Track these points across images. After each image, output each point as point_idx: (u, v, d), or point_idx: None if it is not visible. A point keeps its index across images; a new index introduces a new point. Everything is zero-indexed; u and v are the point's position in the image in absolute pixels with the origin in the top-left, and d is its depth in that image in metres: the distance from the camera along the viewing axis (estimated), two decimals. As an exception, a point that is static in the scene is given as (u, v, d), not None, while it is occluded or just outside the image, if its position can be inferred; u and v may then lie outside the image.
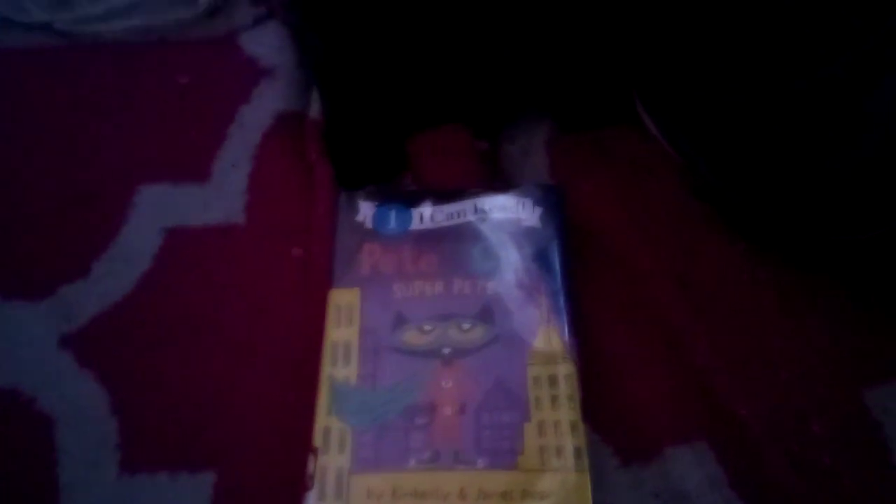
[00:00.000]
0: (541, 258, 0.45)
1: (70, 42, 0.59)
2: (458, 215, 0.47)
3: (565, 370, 0.41)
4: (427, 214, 0.47)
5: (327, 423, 0.40)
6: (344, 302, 0.44)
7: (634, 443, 0.42)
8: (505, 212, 0.47)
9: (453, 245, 0.46)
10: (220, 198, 0.51)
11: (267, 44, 0.57)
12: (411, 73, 0.49)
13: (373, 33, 0.46)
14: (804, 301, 0.46)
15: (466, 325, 0.43)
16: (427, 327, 0.43)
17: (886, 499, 0.41)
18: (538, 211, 0.47)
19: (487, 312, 0.43)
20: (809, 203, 0.45)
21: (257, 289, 0.48)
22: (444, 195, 0.48)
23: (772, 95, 0.44)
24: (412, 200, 0.48)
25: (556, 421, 0.40)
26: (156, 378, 0.45)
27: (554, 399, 0.40)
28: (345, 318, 0.44)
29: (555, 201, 0.47)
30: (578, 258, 0.47)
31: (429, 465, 0.39)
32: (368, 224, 0.47)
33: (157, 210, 0.50)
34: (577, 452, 0.39)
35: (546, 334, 0.42)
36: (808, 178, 0.44)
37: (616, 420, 0.43)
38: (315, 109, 0.53)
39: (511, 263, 0.45)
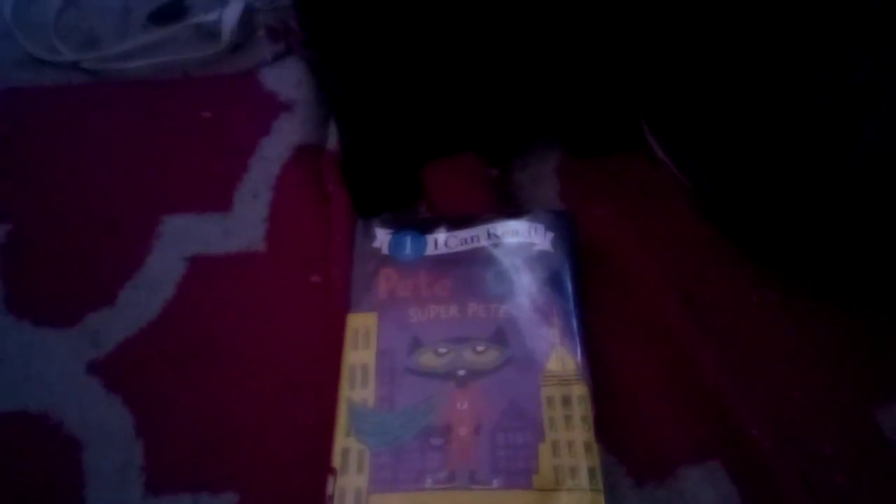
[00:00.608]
0: (553, 282, 0.46)
1: (97, 79, 0.62)
2: (472, 241, 0.48)
3: (578, 391, 0.42)
4: (441, 240, 0.48)
5: (346, 444, 0.41)
6: (361, 326, 0.45)
7: (648, 463, 0.42)
8: (517, 237, 0.48)
9: (467, 270, 0.47)
10: (241, 227, 0.52)
11: (286, 79, 0.58)
12: (426, 105, 0.51)
13: (389, 69, 0.48)
14: (814, 321, 0.46)
15: (481, 348, 0.43)
16: (442, 350, 0.44)
17: (900, 518, 0.41)
18: (550, 236, 0.48)
19: (501, 335, 0.44)
20: (814, 225, 0.45)
21: (277, 314, 0.48)
22: (457, 221, 0.49)
23: (774, 120, 0.45)
24: (427, 227, 0.49)
25: (570, 441, 0.40)
26: (179, 402, 0.45)
27: (568, 419, 0.41)
28: (362, 341, 0.44)
29: (566, 226, 0.48)
30: (590, 281, 0.47)
31: (445, 485, 0.39)
32: (385, 250, 0.48)
33: (181, 239, 0.52)
34: (592, 472, 0.39)
35: (559, 356, 0.43)
36: (812, 200, 0.45)
37: (629, 440, 0.43)
38: (332, 142, 0.55)
39: (524, 287, 0.46)
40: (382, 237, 0.49)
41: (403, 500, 0.39)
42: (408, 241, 0.48)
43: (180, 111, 0.57)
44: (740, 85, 0.46)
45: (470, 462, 0.40)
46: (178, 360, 0.47)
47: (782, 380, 0.45)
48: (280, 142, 0.55)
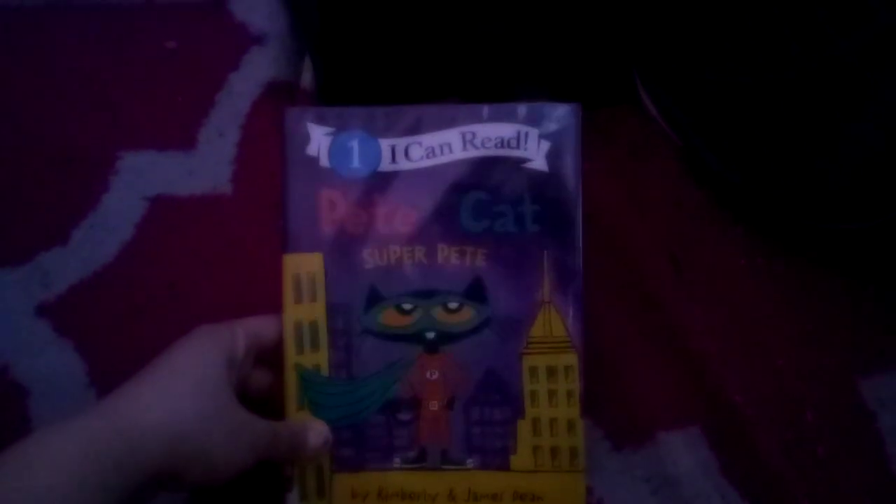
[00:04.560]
0: (546, 217, 0.31)
1: (56, 3, 0.48)
2: (442, 151, 0.31)
3: (566, 361, 0.31)
4: (400, 148, 0.31)
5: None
6: (304, 272, 0.31)
7: (627, 427, 0.35)
8: (502, 148, 0.31)
9: (436, 196, 0.31)
10: (206, 167, 0.41)
11: (258, 9, 0.45)
12: (408, 42, 0.39)
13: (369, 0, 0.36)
14: (801, 289, 0.37)
15: (453, 305, 0.31)
16: (407, 306, 0.31)
17: (879, 489, 0.34)
18: (545, 147, 0.31)
19: (478, 288, 0.31)
20: (809, 189, 0.36)
21: (243, 262, 0.39)
22: (419, 118, 0.32)
23: (778, 77, 0.35)
24: (379, 125, 0.32)
25: (553, 419, 0.31)
26: (136, 349, 0.35)
27: (552, 394, 0.31)
28: (307, 292, 0.31)
29: (568, 131, 0.31)
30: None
31: (415, 465, 0.30)
32: (324, 160, 0.31)
33: (141, 177, 0.40)
34: (574, 453, 0.30)
35: (546, 317, 0.31)
36: (809, 164, 0.35)
37: (609, 403, 0.35)
38: (307, 79, 0.43)
39: (509, 223, 0.31)
40: (319, 139, 0.31)
41: (371, 479, 0.30)
42: (355, 148, 0.31)
43: (143, 40, 0.44)
44: (743, 37, 0.36)
45: (442, 440, 0.30)
46: (135, 306, 0.38)
47: (767, 347, 0.36)
48: (250, 77, 0.42)
